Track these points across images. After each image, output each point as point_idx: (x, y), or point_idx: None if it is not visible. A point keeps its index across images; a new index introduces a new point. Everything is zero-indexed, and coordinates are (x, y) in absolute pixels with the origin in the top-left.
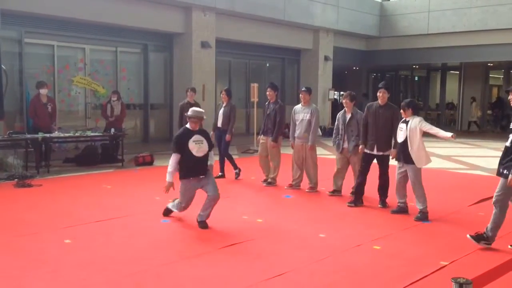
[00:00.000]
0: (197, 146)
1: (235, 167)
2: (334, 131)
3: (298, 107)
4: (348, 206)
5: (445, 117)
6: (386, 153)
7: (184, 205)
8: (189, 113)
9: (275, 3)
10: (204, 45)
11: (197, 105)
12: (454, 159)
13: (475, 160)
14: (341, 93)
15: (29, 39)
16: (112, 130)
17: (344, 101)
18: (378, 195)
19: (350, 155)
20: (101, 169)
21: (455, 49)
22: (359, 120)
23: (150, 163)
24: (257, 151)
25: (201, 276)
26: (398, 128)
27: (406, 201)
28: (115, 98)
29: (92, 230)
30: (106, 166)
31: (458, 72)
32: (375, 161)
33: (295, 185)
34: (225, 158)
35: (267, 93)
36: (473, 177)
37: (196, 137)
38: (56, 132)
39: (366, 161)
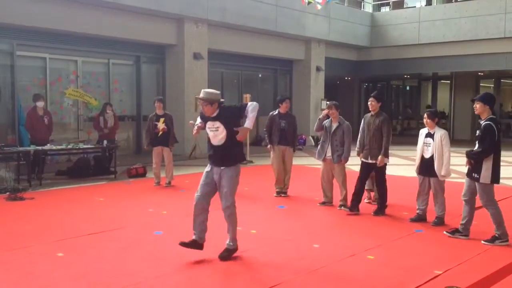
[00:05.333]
0: (211, 134)
1: None
2: (321, 140)
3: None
4: (348, 214)
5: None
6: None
7: (198, 192)
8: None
9: (266, 14)
10: (197, 56)
11: (167, 116)
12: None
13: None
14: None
15: (21, 51)
16: (105, 142)
17: (330, 111)
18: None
19: (333, 164)
20: (94, 181)
21: (445, 58)
22: (345, 129)
23: (143, 174)
24: (251, 161)
25: None
26: (424, 144)
27: (426, 209)
28: (109, 111)
29: (85, 243)
30: (99, 178)
31: (449, 82)
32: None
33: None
34: None
35: (285, 104)
36: None
37: (210, 123)
38: (49, 144)
39: (362, 169)
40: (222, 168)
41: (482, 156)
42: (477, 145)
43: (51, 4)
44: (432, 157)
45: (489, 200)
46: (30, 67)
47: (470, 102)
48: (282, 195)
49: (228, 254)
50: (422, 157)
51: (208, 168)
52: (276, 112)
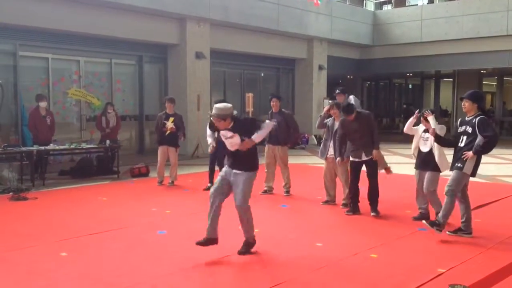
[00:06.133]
0: (227, 142)
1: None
2: (323, 138)
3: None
4: (346, 214)
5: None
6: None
7: (212, 189)
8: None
9: (268, 13)
10: (199, 56)
11: (177, 116)
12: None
13: None
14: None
15: (23, 52)
16: (107, 142)
17: (332, 111)
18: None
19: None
20: (97, 181)
21: (448, 56)
22: None
23: (146, 174)
24: None
25: (198, 287)
26: (421, 139)
27: (427, 207)
28: (111, 110)
29: (88, 243)
30: (102, 178)
31: (451, 80)
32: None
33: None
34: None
35: (273, 103)
36: (469, 183)
37: (224, 132)
38: (51, 144)
39: (355, 169)
40: (238, 172)
41: (493, 143)
42: (464, 141)
43: (53, 4)
44: (429, 151)
45: (456, 190)
46: (33, 68)
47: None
48: (288, 194)
49: (245, 249)
50: (420, 151)
51: (223, 172)
52: (271, 111)
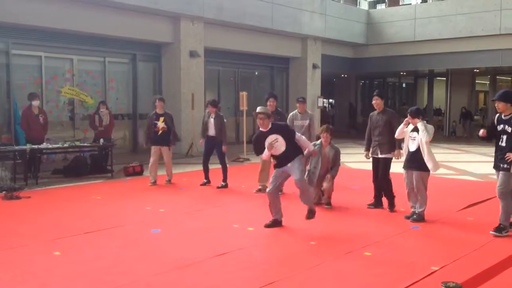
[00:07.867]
0: (274, 147)
1: (225, 179)
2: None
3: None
4: (368, 207)
5: (433, 123)
6: (388, 155)
7: (271, 186)
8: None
9: (262, 12)
10: (193, 54)
11: (167, 115)
12: (443, 164)
13: (463, 165)
14: (330, 100)
15: (16, 50)
16: (101, 140)
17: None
18: (373, 200)
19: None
20: (91, 180)
21: (441, 55)
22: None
23: (140, 173)
24: (247, 159)
25: (192, 286)
26: (410, 137)
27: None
28: (104, 109)
29: (82, 242)
30: (96, 177)
31: (445, 79)
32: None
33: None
34: (222, 167)
35: (270, 103)
36: (461, 182)
37: (269, 138)
38: (45, 143)
39: (373, 165)
40: (289, 164)
41: None
42: (505, 141)
43: (46, 2)
44: (417, 150)
45: (507, 191)
46: (26, 66)
47: (465, 99)
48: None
49: (312, 215)
50: (408, 151)
51: (275, 173)
52: None
